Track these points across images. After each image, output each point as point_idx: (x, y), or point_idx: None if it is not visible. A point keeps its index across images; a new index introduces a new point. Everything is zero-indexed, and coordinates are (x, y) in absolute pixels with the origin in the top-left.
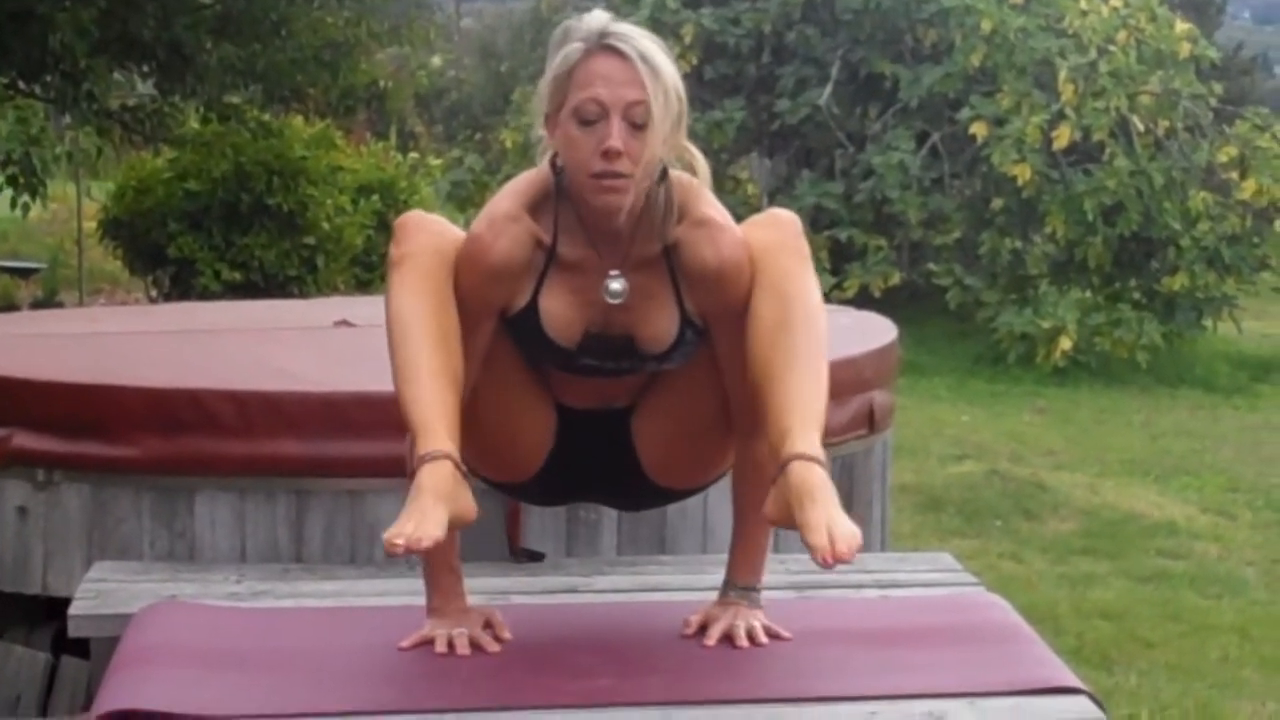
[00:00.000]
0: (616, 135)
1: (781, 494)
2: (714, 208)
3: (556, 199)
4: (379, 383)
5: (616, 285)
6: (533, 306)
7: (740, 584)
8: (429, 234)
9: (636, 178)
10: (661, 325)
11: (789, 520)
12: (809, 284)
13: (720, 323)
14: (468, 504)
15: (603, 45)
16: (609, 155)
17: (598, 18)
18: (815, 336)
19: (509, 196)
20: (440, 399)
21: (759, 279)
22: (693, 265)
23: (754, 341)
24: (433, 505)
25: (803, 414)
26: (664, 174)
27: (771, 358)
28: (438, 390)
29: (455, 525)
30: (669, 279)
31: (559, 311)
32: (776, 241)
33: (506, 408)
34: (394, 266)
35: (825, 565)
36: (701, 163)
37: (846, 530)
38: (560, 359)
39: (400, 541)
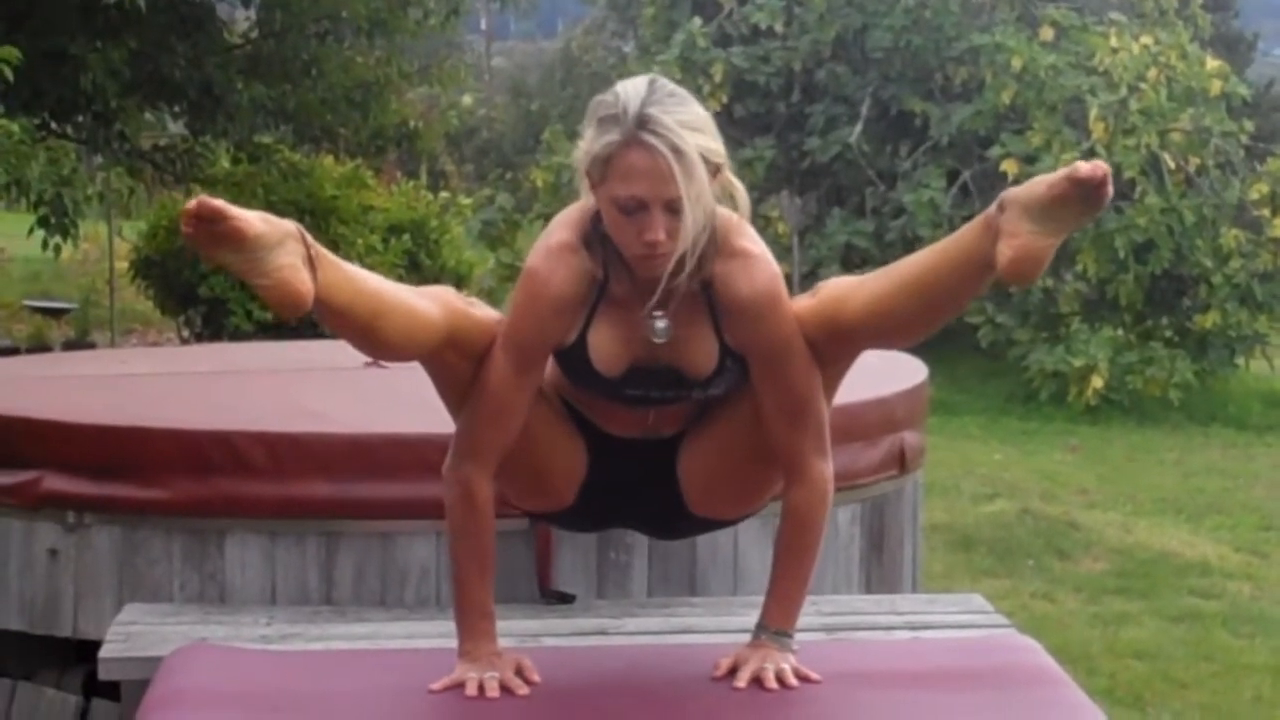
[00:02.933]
0: (658, 228)
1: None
2: (750, 240)
3: (605, 237)
4: (409, 424)
5: (661, 324)
6: (581, 340)
7: (773, 628)
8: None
9: (677, 249)
10: (702, 357)
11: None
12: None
13: (756, 357)
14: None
15: (639, 140)
16: (651, 245)
17: (634, 96)
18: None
19: (563, 229)
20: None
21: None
22: (727, 297)
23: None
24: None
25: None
26: None
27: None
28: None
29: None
30: (708, 312)
31: (606, 345)
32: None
33: (538, 440)
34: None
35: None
36: (742, 194)
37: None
38: (607, 389)
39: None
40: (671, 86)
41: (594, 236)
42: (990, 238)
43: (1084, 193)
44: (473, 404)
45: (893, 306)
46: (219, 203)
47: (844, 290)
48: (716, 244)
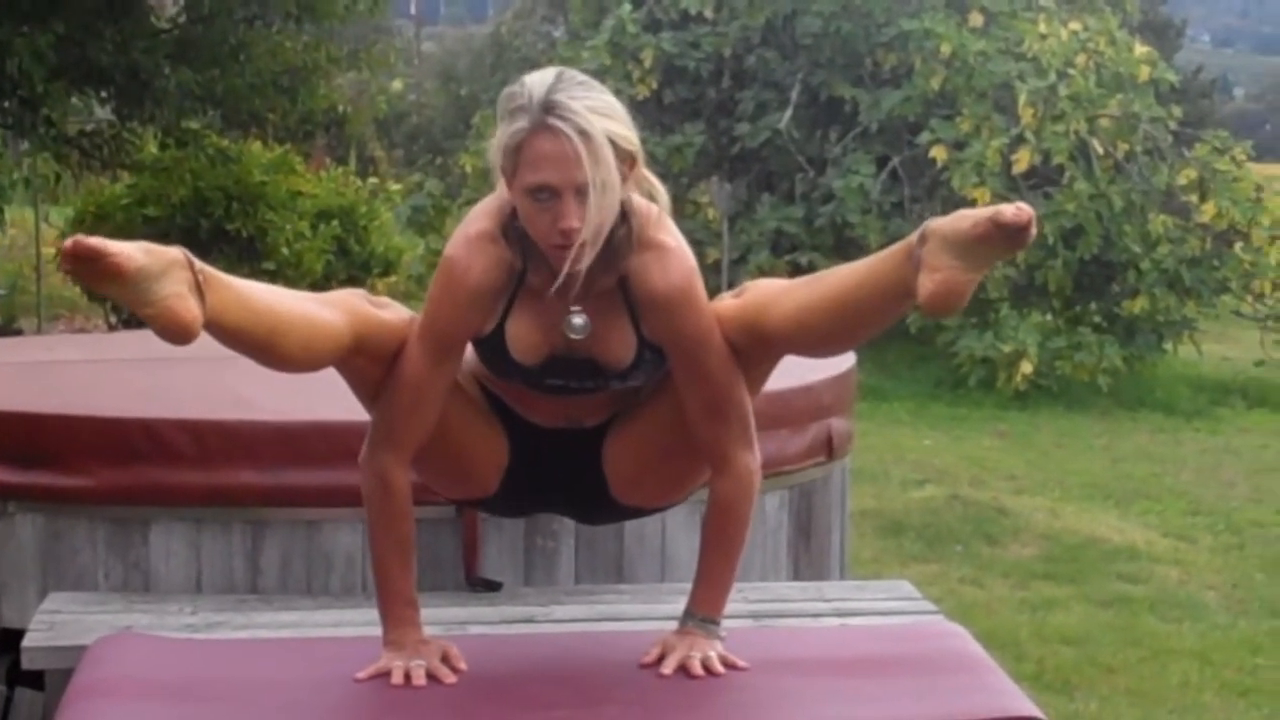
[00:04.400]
0: (571, 215)
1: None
2: (668, 233)
3: (522, 228)
4: (337, 412)
5: (578, 320)
6: (499, 329)
7: (700, 615)
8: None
9: (591, 237)
10: (620, 349)
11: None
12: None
13: (673, 350)
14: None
15: (545, 125)
16: (566, 234)
17: (540, 84)
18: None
19: (482, 218)
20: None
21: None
22: (642, 290)
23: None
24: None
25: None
26: (623, 210)
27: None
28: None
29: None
30: (625, 304)
31: (524, 336)
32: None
33: (457, 429)
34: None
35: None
36: (660, 191)
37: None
38: (526, 378)
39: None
40: (581, 76)
41: (512, 227)
42: (912, 267)
43: (1006, 235)
44: (388, 394)
45: (814, 322)
46: (95, 241)
47: (769, 296)
48: (633, 237)
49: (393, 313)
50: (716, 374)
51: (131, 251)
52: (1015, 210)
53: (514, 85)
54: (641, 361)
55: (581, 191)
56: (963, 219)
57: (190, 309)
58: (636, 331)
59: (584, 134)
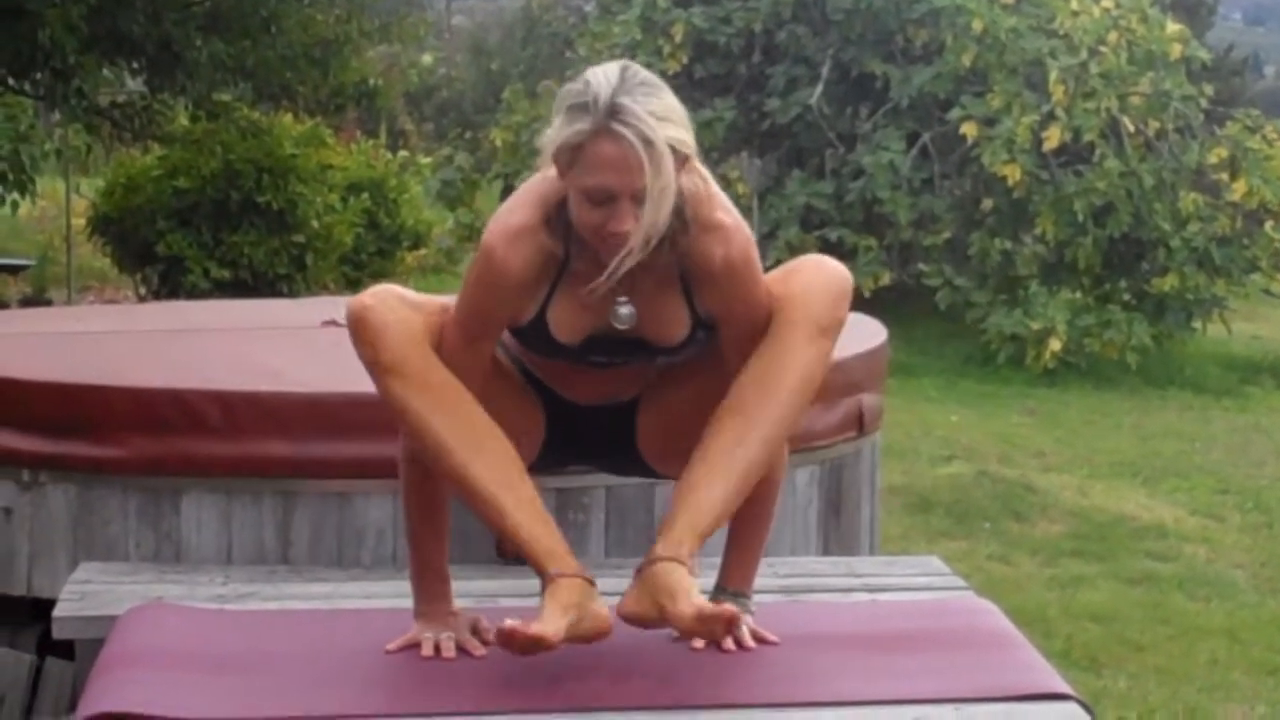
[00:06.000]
0: (625, 219)
1: (645, 590)
2: (724, 210)
3: (568, 212)
4: (367, 383)
5: (625, 310)
6: (540, 315)
7: (731, 590)
8: (401, 331)
9: (642, 241)
10: (674, 326)
11: (654, 616)
12: (801, 371)
13: (730, 323)
14: (600, 614)
15: (609, 129)
16: (617, 235)
17: (605, 85)
18: (760, 438)
19: (523, 208)
20: (544, 518)
21: (773, 329)
22: (701, 266)
23: (728, 390)
24: (561, 614)
25: (689, 521)
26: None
27: (708, 443)
28: (535, 510)
29: (589, 638)
30: (679, 284)
31: (567, 319)
32: (804, 309)
33: (496, 407)
34: (385, 375)
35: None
36: (709, 181)
37: (716, 609)
38: (570, 356)
39: (516, 638)
40: (644, 75)
41: (556, 214)
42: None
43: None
44: None
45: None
46: (532, 632)
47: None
48: (685, 221)
49: (429, 308)
50: None
51: (557, 628)
52: (714, 609)
53: (575, 82)
54: (693, 339)
55: (638, 197)
56: (684, 606)
57: (601, 618)
58: (690, 308)
59: (647, 142)
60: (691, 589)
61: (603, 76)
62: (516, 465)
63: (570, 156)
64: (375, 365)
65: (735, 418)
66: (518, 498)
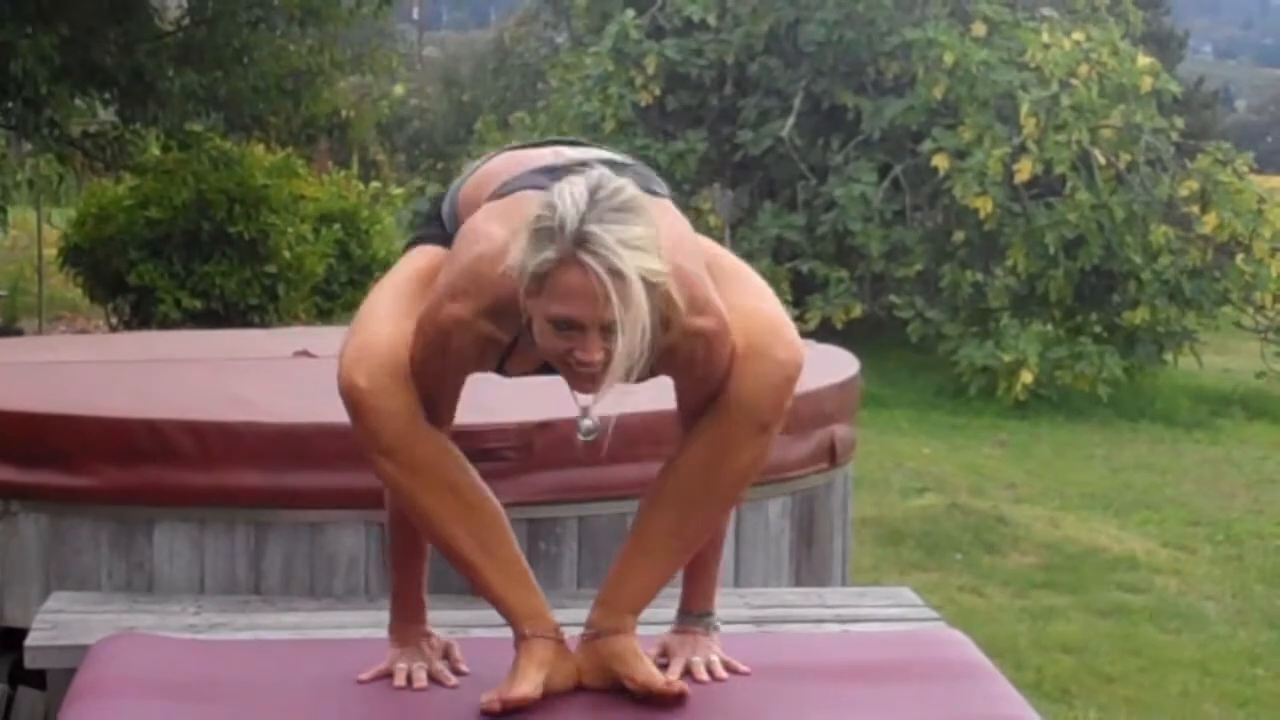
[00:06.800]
0: (593, 350)
1: (594, 661)
2: (704, 312)
3: (518, 306)
4: (339, 413)
5: (588, 424)
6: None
7: (696, 611)
8: (396, 417)
9: (620, 373)
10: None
11: (605, 677)
12: (744, 466)
13: (686, 388)
14: (570, 671)
15: (576, 259)
16: (583, 364)
17: (573, 211)
18: (699, 526)
19: (468, 296)
20: (521, 578)
21: (719, 417)
22: (679, 362)
23: (665, 474)
24: (536, 671)
25: (629, 603)
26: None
27: (647, 527)
28: (514, 571)
29: (557, 690)
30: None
31: (522, 366)
32: (751, 410)
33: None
34: (380, 457)
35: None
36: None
37: (665, 687)
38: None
39: (498, 706)
40: (618, 195)
41: (506, 311)
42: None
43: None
44: None
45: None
46: (518, 697)
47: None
48: (666, 323)
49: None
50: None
51: (535, 684)
52: (665, 682)
53: (545, 201)
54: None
55: (607, 328)
56: (638, 676)
57: (570, 674)
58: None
59: (616, 274)
60: (640, 657)
61: (570, 199)
62: (498, 527)
63: (536, 285)
64: (371, 448)
65: (677, 505)
66: (498, 561)
